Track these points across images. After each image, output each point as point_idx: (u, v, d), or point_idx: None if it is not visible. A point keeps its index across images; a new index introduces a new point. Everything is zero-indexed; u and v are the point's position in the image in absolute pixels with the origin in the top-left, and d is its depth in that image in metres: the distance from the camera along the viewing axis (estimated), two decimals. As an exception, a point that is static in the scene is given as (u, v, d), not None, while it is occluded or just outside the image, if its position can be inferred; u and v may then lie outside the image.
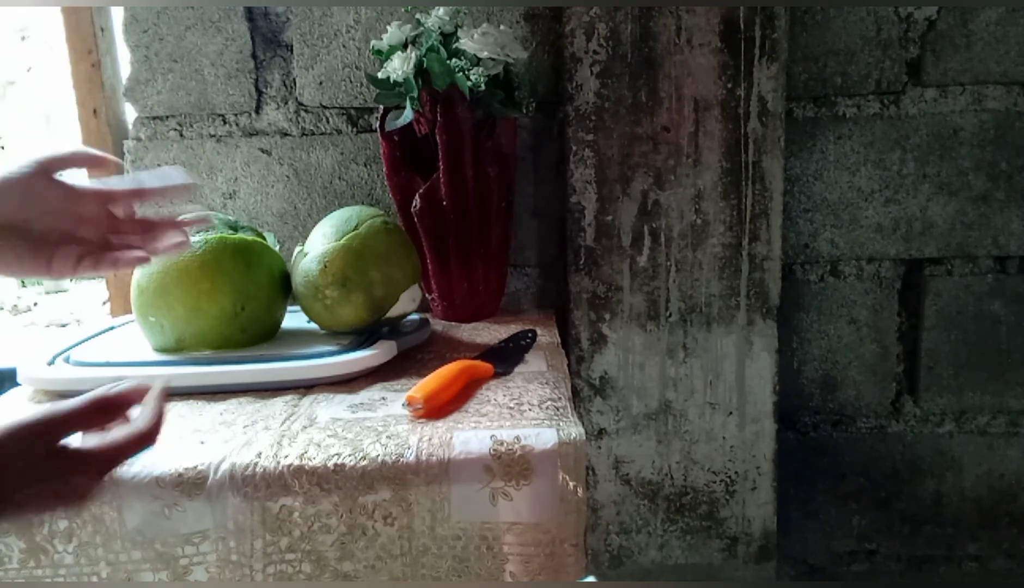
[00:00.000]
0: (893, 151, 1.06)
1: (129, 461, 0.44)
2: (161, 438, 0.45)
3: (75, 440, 0.42)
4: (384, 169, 0.95)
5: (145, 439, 0.44)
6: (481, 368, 0.70)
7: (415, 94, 0.87)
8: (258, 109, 1.05)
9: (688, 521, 1.05)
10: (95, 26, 1.02)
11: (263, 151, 1.05)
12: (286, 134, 1.05)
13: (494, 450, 0.55)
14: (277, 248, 0.84)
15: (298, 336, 0.80)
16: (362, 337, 0.77)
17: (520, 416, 0.60)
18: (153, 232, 0.62)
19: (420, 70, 0.86)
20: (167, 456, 0.55)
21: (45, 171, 0.56)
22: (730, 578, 1.06)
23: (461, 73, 0.85)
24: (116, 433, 0.44)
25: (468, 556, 0.55)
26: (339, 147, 1.05)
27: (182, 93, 1.04)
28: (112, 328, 0.88)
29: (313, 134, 1.05)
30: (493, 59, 0.86)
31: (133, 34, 1.02)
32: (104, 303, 1.17)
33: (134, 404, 0.45)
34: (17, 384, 0.73)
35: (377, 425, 0.60)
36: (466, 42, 0.85)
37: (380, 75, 0.89)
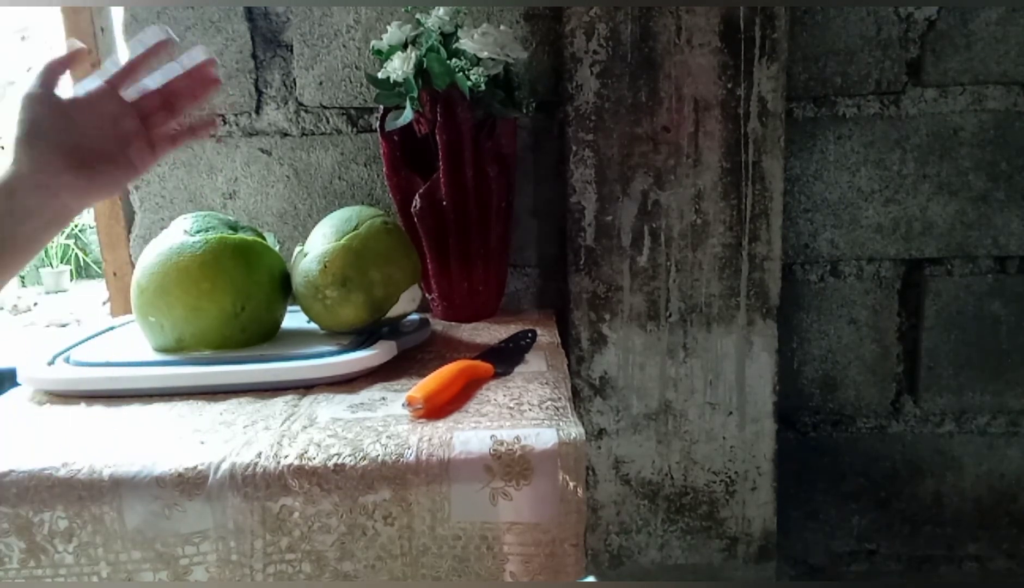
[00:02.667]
0: (893, 151, 1.06)
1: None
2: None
3: None
4: (384, 169, 0.95)
5: None
6: (481, 368, 0.70)
7: (415, 94, 0.87)
8: (258, 109, 1.05)
9: (688, 521, 1.05)
10: (95, 26, 1.02)
11: (263, 151, 1.05)
12: (286, 134, 1.05)
13: (494, 450, 0.55)
14: (277, 248, 0.84)
15: (298, 336, 0.80)
16: (362, 337, 0.77)
17: (520, 416, 0.60)
18: (176, 103, 0.68)
19: (420, 70, 0.86)
20: (167, 456, 0.56)
21: (49, 98, 0.62)
22: (730, 578, 1.06)
23: (461, 73, 0.85)
24: None
25: (468, 556, 0.55)
26: (339, 147, 1.05)
27: (182, 93, 1.04)
28: (112, 328, 0.88)
29: (313, 134, 1.05)
30: (493, 59, 0.86)
31: (133, 34, 1.02)
32: (104, 303, 1.17)
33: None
34: (17, 384, 0.73)
35: (377, 425, 0.60)
36: (466, 42, 0.85)
37: (380, 75, 0.89)
